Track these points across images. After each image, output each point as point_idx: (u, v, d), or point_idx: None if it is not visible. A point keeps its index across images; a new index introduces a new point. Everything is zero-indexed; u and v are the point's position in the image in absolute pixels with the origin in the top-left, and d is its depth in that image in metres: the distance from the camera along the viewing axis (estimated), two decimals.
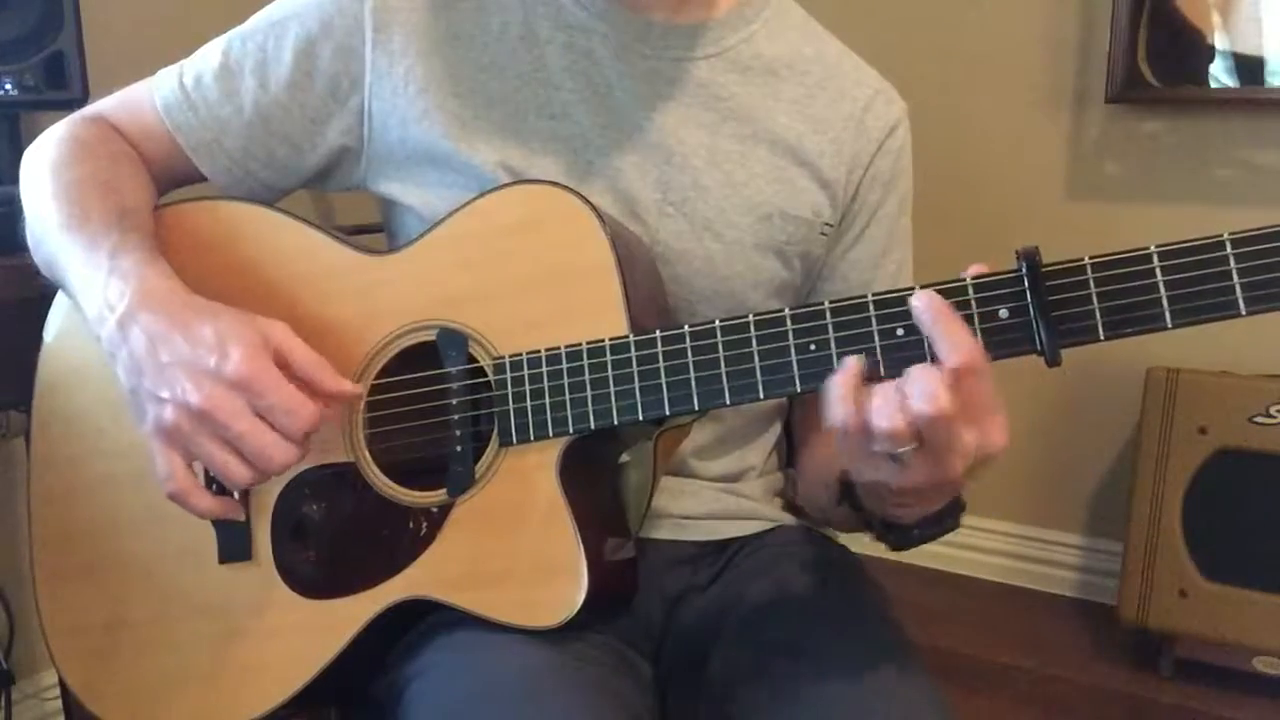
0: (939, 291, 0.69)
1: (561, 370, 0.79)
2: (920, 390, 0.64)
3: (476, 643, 0.80)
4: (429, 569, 0.82)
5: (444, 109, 0.89)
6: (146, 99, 0.94)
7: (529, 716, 0.73)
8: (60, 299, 0.93)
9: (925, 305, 0.67)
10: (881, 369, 0.69)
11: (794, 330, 0.73)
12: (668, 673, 0.90)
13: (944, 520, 0.79)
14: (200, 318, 0.77)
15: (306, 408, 0.75)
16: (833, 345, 0.72)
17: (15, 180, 0.93)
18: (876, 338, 0.70)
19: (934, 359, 0.67)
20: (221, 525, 0.86)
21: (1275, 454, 1.87)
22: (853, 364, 0.68)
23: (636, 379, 0.77)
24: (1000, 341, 0.68)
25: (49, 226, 0.86)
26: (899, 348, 0.70)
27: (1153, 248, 0.65)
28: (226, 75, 0.92)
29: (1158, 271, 0.65)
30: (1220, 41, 2.03)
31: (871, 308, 0.71)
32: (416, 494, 0.83)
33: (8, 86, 1.45)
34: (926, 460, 0.67)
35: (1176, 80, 2.09)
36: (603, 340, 0.78)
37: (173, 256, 0.84)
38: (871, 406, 0.66)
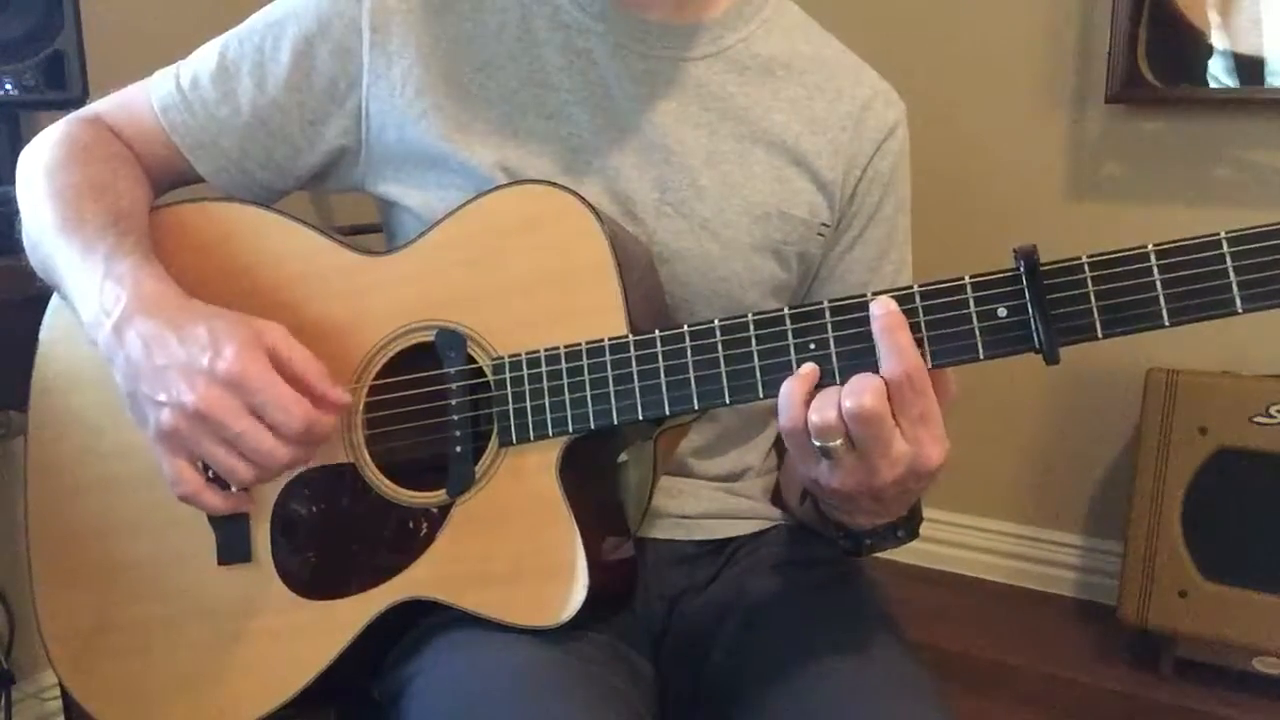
0: (936, 290, 0.70)
1: (561, 370, 0.79)
2: (851, 389, 0.68)
3: (476, 642, 0.80)
4: (429, 569, 0.82)
5: (441, 110, 0.88)
6: (143, 100, 0.94)
7: (529, 716, 0.73)
8: (56, 299, 0.93)
9: (879, 313, 0.70)
10: (837, 377, 0.71)
11: (793, 330, 0.73)
12: (668, 672, 0.90)
13: (897, 531, 0.81)
14: (195, 319, 0.77)
15: (301, 405, 0.74)
16: (832, 344, 0.72)
17: (14, 180, 0.93)
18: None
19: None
20: (221, 527, 0.86)
21: (1275, 454, 1.87)
22: (808, 371, 0.71)
23: (636, 379, 0.77)
24: (999, 340, 0.69)
25: (45, 229, 0.86)
26: None
27: (1150, 246, 0.66)
28: (224, 76, 0.92)
29: (1155, 270, 0.65)
30: (1220, 41, 2.03)
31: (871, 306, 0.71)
32: (416, 494, 0.83)
33: (8, 86, 1.44)
34: (858, 462, 0.70)
35: (1176, 80, 2.08)
36: (602, 340, 0.78)
37: (169, 259, 0.84)
38: (812, 403, 0.70)
